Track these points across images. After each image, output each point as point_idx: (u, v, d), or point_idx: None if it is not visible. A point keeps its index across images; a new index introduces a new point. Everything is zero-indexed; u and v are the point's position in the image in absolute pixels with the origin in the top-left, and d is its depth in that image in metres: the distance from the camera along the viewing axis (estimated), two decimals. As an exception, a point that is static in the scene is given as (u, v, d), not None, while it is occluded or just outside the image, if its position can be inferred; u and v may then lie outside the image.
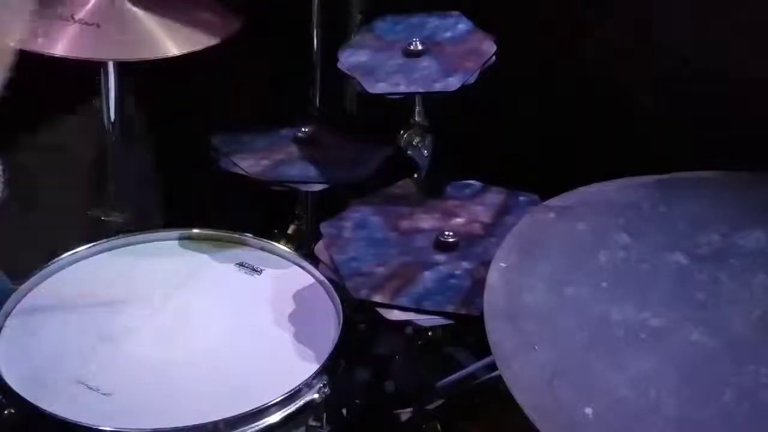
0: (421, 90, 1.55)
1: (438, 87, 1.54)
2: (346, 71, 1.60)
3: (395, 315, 1.39)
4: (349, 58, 1.63)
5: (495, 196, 1.61)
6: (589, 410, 1.06)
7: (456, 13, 1.67)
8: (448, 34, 1.64)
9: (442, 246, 1.49)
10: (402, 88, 1.55)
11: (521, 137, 1.90)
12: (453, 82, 1.54)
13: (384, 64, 1.60)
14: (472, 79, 1.54)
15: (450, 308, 1.38)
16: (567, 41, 1.83)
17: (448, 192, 1.63)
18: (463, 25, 1.66)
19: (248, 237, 1.68)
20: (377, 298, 1.40)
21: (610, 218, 1.35)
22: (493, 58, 1.58)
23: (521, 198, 1.59)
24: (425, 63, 1.59)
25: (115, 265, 1.63)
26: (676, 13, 1.70)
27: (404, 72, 1.58)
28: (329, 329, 1.49)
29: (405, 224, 1.55)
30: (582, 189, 1.42)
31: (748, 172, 1.42)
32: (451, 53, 1.59)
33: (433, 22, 1.67)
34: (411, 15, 1.69)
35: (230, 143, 1.77)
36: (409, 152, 1.64)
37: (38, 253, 1.62)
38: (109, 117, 1.93)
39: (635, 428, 1.06)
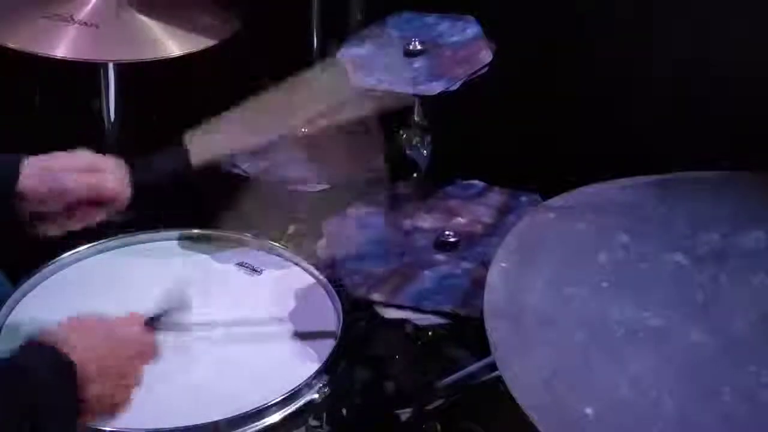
0: (402, 89, 1.54)
1: (420, 89, 1.53)
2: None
3: (392, 313, 1.39)
4: (349, 49, 1.63)
5: (497, 197, 1.61)
6: (589, 410, 1.06)
7: (470, 17, 1.67)
8: (455, 38, 1.63)
9: (442, 246, 1.49)
10: (386, 86, 1.54)
11: (521, 137, 1.90)
12: (435, 87, 1.53)
13: (379, 60, 1.60)
14: (454, 86, 1.53)
15: (447, 308, 1.38)
16: (567, 41, 1.83)
17: (450, 192, 1.63)
18: (471, 31, 1.65)
19: (248, 237, 1.68)
20: (375, 297, 1.40)
21: (610, 218, 1.35)
22: (486, 68, 1.57)
23: (523, 198, 1.59)
24: (418, 64, 1.58)
25: (115, 265, 1.63)
26: (676, 13, 1.70)
27: (394, 70, 1.57)
28: (329, 329, 1.49)
29: (407, 224, 1.55)
30: (582, 189, 1.42)
31: (748, 172, 1.42)
32: (447, 57, 1.59)
33: (444, 23, 1.67)
34: (425, 14, 1.69)
35: (230, 143, 1.76)
36: (408, 152, 1.64)
37: (38, 253, 1.61)
38: (109, 117, 1.93)
39: (635, 428, 1.06)
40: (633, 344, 1.14)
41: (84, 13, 1.81)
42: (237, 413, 1.32)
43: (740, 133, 1.65)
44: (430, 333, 1.61)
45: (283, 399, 1.36)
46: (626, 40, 1.77)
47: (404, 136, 1.64)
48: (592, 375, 1.11)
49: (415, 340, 1.62)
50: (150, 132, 2.14)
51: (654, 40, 1.75)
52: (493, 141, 1.92)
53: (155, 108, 2.18)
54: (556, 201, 1.42)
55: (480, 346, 1.28)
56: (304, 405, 1.38)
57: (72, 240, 1.65)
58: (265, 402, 1.35)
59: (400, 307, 1.39)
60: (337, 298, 1.53)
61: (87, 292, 1.56)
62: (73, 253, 1.63)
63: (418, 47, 1.60)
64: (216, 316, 1.53)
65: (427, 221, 1.56)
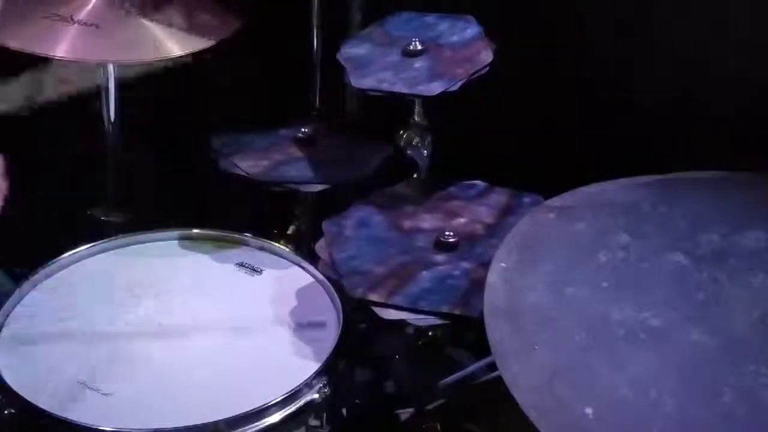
0: (403, 90, 1.54)
1: (420, 90, 1.53)
2: (342, 62, 1.60)
3: (390, 314, 1.39)
4: (349, 50, 1.63)
5: (499, 197, 1.60)
6: (589, 410, 1.06)
7: (470, 17, 1.67)
8: (455, 38, 1.63)
9: (442, 246, 1.49)
10: (386, 86, 1.54)
11: (521, 137, 1.90)
12: (435, 87, 1.53)
13: (379, 60, 1.60)
14: (455, 87, 1.53)
15: (445, 308, 1.38)
16: (567, 41, 1.83)
17: (452, 192, 1.63)
18: (471, 31, 1.65)
19: (248, 237, 1.68)
20: (373, 297, 1.40)
21: (610, 218, 1.35)
22: (486, 68, 1.57)
23: (525, 199, 1.59)
24: (418, 64, 1.58)
25: (115, 265, 1.64)
26: (676, 13, 1.70)
27: (395, 70, 1.57)
28: (329, 329, 1.49)
29: (407, 224, 1.55)
30: (582, 189, 1.42)
31: (748, 172, 1.42)
32: (447, 58, 1.59)
33: (444, 23, 1.67)
34: (425, 14, 1.69)
35: (230, 144, 1.77)
36: (409, 152, 1.64)
37: (38, 253, 1.62)
38: (109, 117, 1.93)
39: (635, 428, 1.06)
40: (633, 344, 1.14)
41: (84, 13, 1.80)
42: (237, 413, 1.32)
43: (740, 133, 1.65)
44: (430, 333, 1.61)
45: (283, 399, 1.36)
46: (626, 40, 1.77)
47: (404, 136, 1.64)
48: (592, 375, 1.11)
49: (415, 340, 1.63)
50: (150, 132, 2.15)
51: (654, 40, 1.75)
52: (492, 141, 1.92)
53: (155, 108, 2.18)
54: (556, 201, 1.42)
55: (480, 346, 1.28)
56: (304, 405, 1.38)
57: (72, 240, 1.66)
58: (265, 402, 1.35)
59: (398, 307, 1.39)
60: (337, 298, 1.53)
61: (86, 292, 1.56)
62: (73, 253, 1.63)
63: (418, 47, 1.60)
64: (216, 316, 1.53)
65: (428, 221, 1.56)
